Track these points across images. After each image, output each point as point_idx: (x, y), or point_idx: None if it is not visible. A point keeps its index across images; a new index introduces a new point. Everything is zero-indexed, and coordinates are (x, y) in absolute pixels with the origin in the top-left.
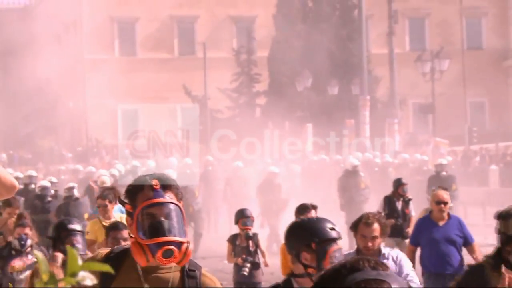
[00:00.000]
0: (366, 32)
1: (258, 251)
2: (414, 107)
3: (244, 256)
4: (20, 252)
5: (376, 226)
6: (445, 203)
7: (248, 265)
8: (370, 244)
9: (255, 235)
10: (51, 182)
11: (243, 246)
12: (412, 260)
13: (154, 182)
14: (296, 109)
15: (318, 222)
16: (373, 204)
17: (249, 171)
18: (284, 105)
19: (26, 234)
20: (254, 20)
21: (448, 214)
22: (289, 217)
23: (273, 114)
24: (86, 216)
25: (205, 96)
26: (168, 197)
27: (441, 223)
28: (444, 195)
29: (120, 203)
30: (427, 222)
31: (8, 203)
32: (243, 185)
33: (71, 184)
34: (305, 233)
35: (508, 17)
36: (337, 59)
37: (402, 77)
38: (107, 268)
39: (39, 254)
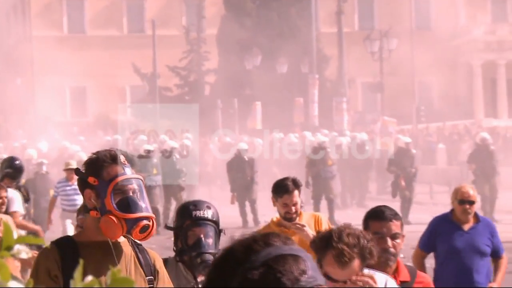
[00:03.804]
0: (315, 11)
1: None
2: (362, 86)
3: None
4: None
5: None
6: (471, 202)
7: None
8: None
9: None
10: None
11: None
12: (422, 269)
13: (122, 158)
14: (245, 87)
15: None
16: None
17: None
18: (233, 83)
19: None
20: None
21: (476, 216)
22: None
23: (222, 92)
24: (51, 192)
25: (154, 74)
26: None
27: (466, 227)
28: (470, 191)
29: (77, 175)
30: (448, 224)
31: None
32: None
33: (39, 160)
34: None
35: None
36: (286, 37)
37: (351, 56)
38: (41, 241)
39: None
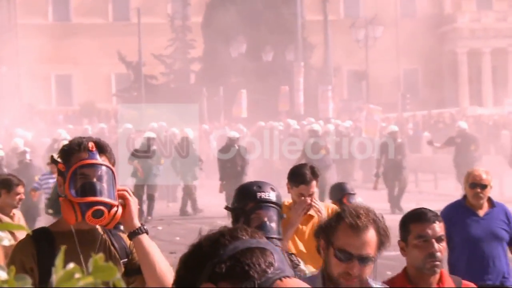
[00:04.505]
0: None
1: None
2: (348, 74)
3: None
4: None
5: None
6: (484, 186)
7: None
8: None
9: None
10: None
11: None
12: None
13: (90, 144)
14: (231, 75)
15: None
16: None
17: None
18: (218, 71)
19: None
20: None
21: (490, 201)
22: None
23: (207, 80)
24: (36, 178)
25: (139, 62)
26: (102, 160)
27: (481, 213)
28: (483, 175)
29: (52, 162)
30: (462, 210)
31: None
32: None
33: (22, 148)
34: None
35: None
36: (271, 25)
37: (337, 44)
38: (23, 228)
39: None
